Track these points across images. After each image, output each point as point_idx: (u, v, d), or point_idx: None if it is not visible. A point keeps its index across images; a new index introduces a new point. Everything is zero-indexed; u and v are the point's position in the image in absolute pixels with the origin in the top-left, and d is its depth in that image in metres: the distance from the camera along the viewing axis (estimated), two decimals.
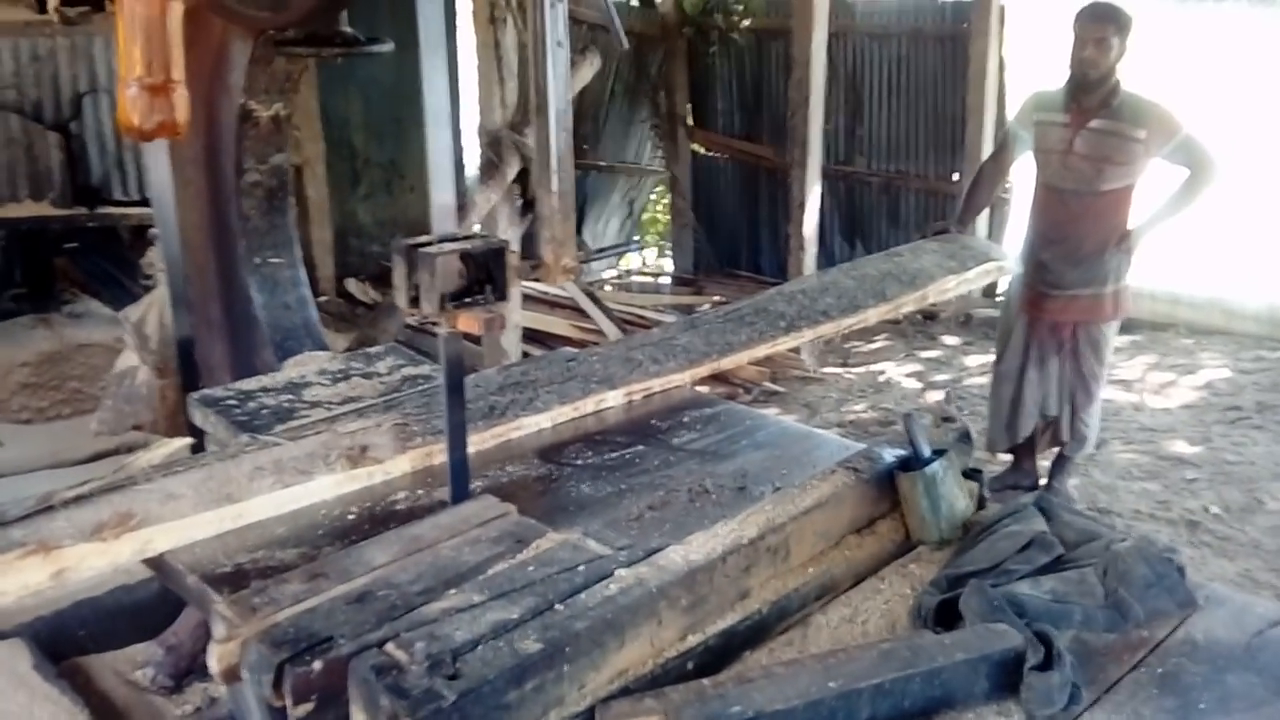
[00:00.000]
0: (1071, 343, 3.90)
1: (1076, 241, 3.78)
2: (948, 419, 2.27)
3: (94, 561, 1.83)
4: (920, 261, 3.52)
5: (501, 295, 2.00)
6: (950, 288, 3.49)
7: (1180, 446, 4.81)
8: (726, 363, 2.87)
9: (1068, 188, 3.82)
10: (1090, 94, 3.71)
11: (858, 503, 2.05)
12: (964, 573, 1.88)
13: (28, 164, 5.12)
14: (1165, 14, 6.13)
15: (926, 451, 2.10)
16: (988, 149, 6.45)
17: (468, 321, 1.97)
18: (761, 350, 2.95)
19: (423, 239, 1.97)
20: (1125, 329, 6.36)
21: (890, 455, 2.14)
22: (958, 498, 2.06)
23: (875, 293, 3.26)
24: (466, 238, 2.01)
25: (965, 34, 6.43)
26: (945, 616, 1.79)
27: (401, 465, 2.24)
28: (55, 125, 5.19)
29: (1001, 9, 6.24)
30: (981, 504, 2.17)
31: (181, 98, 1.64)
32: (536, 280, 3.75)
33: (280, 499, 2.05)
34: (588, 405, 2.58)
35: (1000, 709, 1.60)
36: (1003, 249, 3.72)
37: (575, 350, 3.01)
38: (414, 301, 1.96)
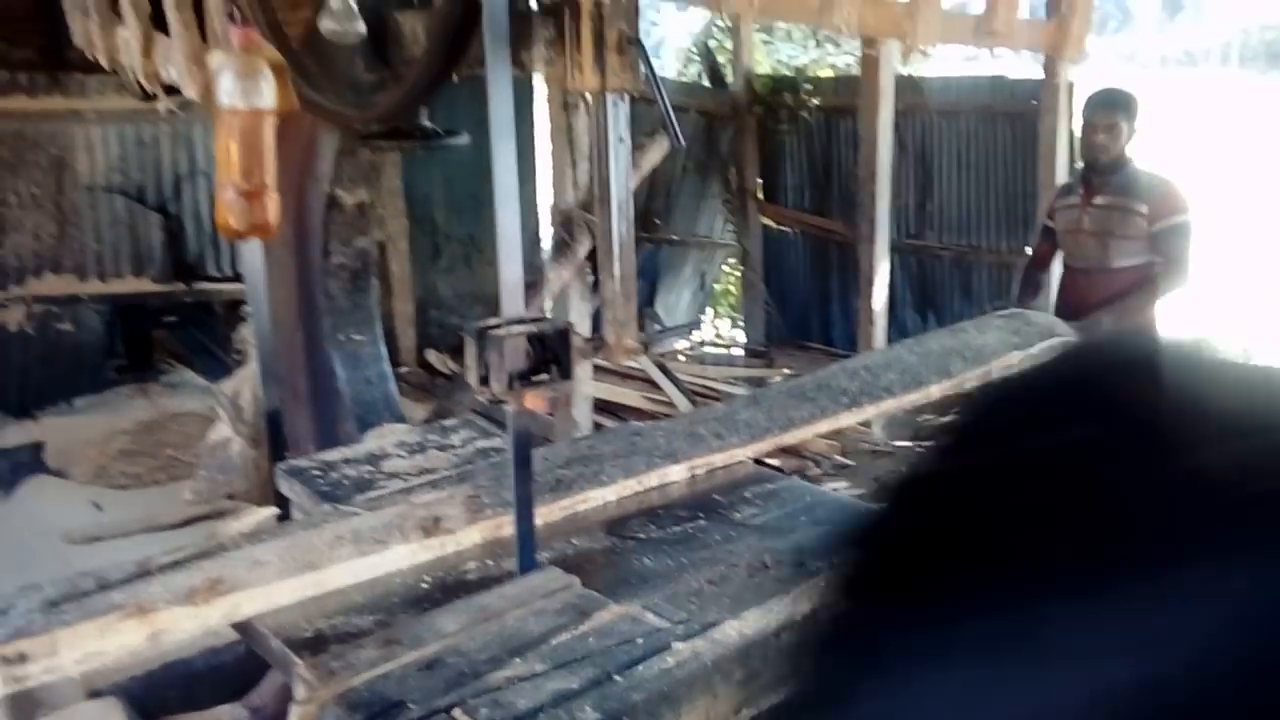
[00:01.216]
0: None
1: (1094, 320, 3.79)
2: None
3: (186, 624, 1.93)
4: (985, 338, 3.55)
5: (566, 375, 2.11)
6: (1014, 364, 3.51)
7: None
8: (788, 438, 2.92)
9: (1080, 266, 3.93)
10: (1101, 175, 3.83)
11: None
12: None
13: (131, 243, 5.44)
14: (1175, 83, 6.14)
15: None
16: None
17: (534, 400, 2.08)
18: (823, 426, 2.99)
19: (492, 321, 2.09)
20: None
21: None
22: None
23: (939, 369, 3.29)
24: (534, 320, 2.13)
25: (1034, 111, 6.47)
26: None
27: (472, 536, 2.32)
28: (157, 206, 5.52)
29: (1070, 86, 6.27)
30: None
31: (273, 202, 1.79)
32: (601, 359, 3.87)
33: (358, 567, 2.15)
34: (651, 479, 2.65)
35: None
36: (1066, 325, 3.72)
37: (640, 425, 3.09)
38: (484, 380, 2.07)
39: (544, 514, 2.38)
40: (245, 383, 3.65)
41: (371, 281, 3.66)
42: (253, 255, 3.06)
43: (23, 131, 5.22)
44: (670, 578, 2.21)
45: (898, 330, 6.88)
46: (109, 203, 5.43)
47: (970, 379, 3.37)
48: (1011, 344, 3.52)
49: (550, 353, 2.10)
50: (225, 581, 1.98)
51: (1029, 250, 6.70)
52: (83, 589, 1.92)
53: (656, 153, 4.73)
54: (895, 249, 6.61)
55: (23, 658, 1.73)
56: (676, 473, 2.70)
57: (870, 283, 5.93)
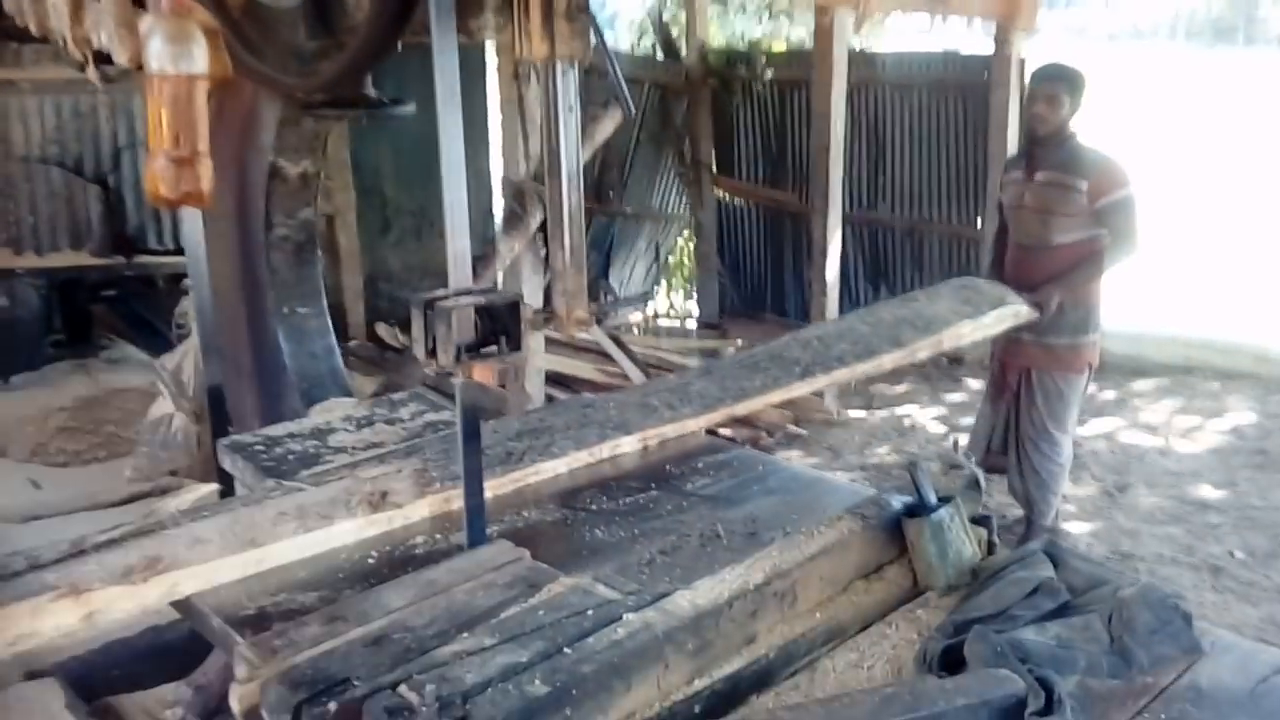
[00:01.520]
0: (1023, 389, 3.94)
1: (1044, 291, 3.77)
2: (955, 465, 2.28)
3: (123, 604, 1.87)
4: (936, 307, 3.55)
5: (516, 347, 2.07)
6: (966, 333, 3.52)
7: (1205, 491, 4.78)
8: (741, 409, 2.91)
9: (1023, 242, 3.93)
10: (1043, 149, 3.84)
11: (865, 549, 2.08)
12: (970, 618, 1.91)
13: (68, 215, 5.30)
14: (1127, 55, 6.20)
15: (932, 498, 2.13)
16: None
17: (483, 373, 2.04)
18: (776, 396, 2.99)
19: (439, 293, 2.04)
20: (1152, 372, 6.37)
21: (898, 502, 2.17)
22: (965, 544, 2.09)
23: (891, 339, 3.30)
24: (483, 291, 2.09)
25: (985, 85, 6.50)
26: (950, 662, 1.82)
27: (421, 510, 2.29)
28: (95, 178, 5.37)
29: (1021, 61, 6.30)
30: (990, 550, 2.19)
31: (206, 169, 1.73)
32: (552, 331, 3.81)
33: (302, 544, 2.11)
34: (604, 451, 2.63)
35: None
36: (1017, 294, 3.72)
37: (592, 396, 3.06)
38: (431, 353, 2.03)
39: (494, 486, 2.35)
40: (187, 357, 3.56)
41: (316, 254, 3.59)
42: (193, 227, 2.98)
43: None
44: (622, 549, 2.20)
45: (850, 301, 6.92)
46: (45, 174, 5.27)
47: (922, 348, 3.37)
48: (962, 313, 3.53)
49: (499, 324, 2.06)
50: (164, 560, 1.93)
51: (979, 223, 6.78)
52: (14, 569, 1.86)
53: (609, 124, 4.68)
54: (848, 221, 6.62)
55: None
56: (629, 444, 2.69)
57: (823, 254, 5.94)
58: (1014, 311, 3.67)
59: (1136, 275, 3.93)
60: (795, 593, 1.94)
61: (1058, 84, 3.77)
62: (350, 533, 2.17)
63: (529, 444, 2.58)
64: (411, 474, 2.36)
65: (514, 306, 2.07)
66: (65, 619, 1.80)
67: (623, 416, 2.75)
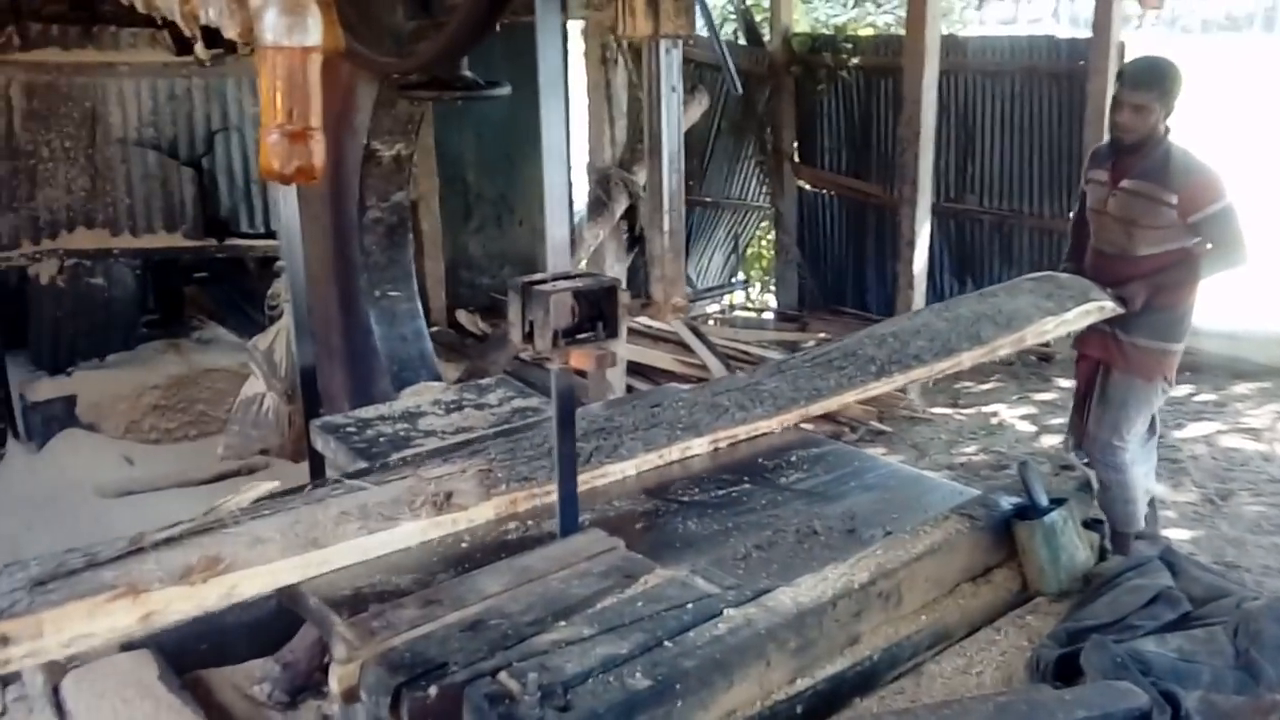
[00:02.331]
0: (1095, 389, 3.69)
1: (1130, 289, 3.51)
2: (1066, 467, 2.19)
3: (181, 605, 1.81)
4: (1016, 302, 3.38)
5: (613, 333, 2.03)
6: (1049, 329, 3.32)
7: None
8: (815, 409, 2.79)
9: (1105, 250, 3.63)
10: (1129, 154, 3.51)
11: (972, 550, 2.01)
12: (1085, 627, 1.83)
13: (163, 197, 5.40)
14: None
15: (1044, 500, 2.05)
16: None
17: (580, 358, 2.00)
18: (851, 396, 2.86)
19: (537, 277, 2.02)
20: (1252, 374, 6.11)
21: (1007, 503, 2.09)
22: (1078, 549, 2.01)
23: (970, 336, 3.12)
24: (579, 276, 2.05)
25: (1081, 71, 6.29)
26: (1064, 671, 1.74)
27: (485, 513, 2.20)
28: (189, 161, 5.47)
29: (1121, 45, 6.09)
30: (1103, 555, 2.10)
31: (319, 144, 1.71)
32: (647, 317, 3.75)
33: (365, 545, 2.03)
34: (673, 453, 2.53)
35: None
36: (1100, 290, 3.50)
37: (663, 391, 2.97)
38: (528, 337, 2.00)
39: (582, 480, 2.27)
40: (279, 338, 3.60)
41: (408, 237, 3.59)
42: (288, 209, 3.00)
43: (55, 84, 5.16)
44: (716, 542, 2.15)
45: (935, 295, 6.75)
46: (141, 157, 5.37)
47: (1003, 345, 3.19)
48: (1044, 309, 3.33)
49: (597, 310, 2.02)
50: (224, 560, 1.87)
51: (1072, 215, 6.57)
52: (71, 566, 1.80)
53: (695, 110, 4.62)
54: (934, 212, 6.46)
55: (5, 641, 1.63)
56: (699, 446, 2.57)
57: (910, 246, 5.80)
58: (1099, 306, 3.46)
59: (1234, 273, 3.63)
60: (900, 594, 1.88)
61: (1147, 91, 3.42)
62: (414, 535, 2.09)
63: (596, 444, 2.47)
64: (476, 474, 2.27)
65: (612, 292, 2.03)
66: (122, 620, 1.74)
67: (692, 417, 2.64)
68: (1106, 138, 3.78)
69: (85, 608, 1.70)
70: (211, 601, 1.83)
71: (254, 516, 2.04)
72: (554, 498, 2.14)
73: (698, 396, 2.80)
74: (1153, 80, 3.46)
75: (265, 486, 2.19)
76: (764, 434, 2.67)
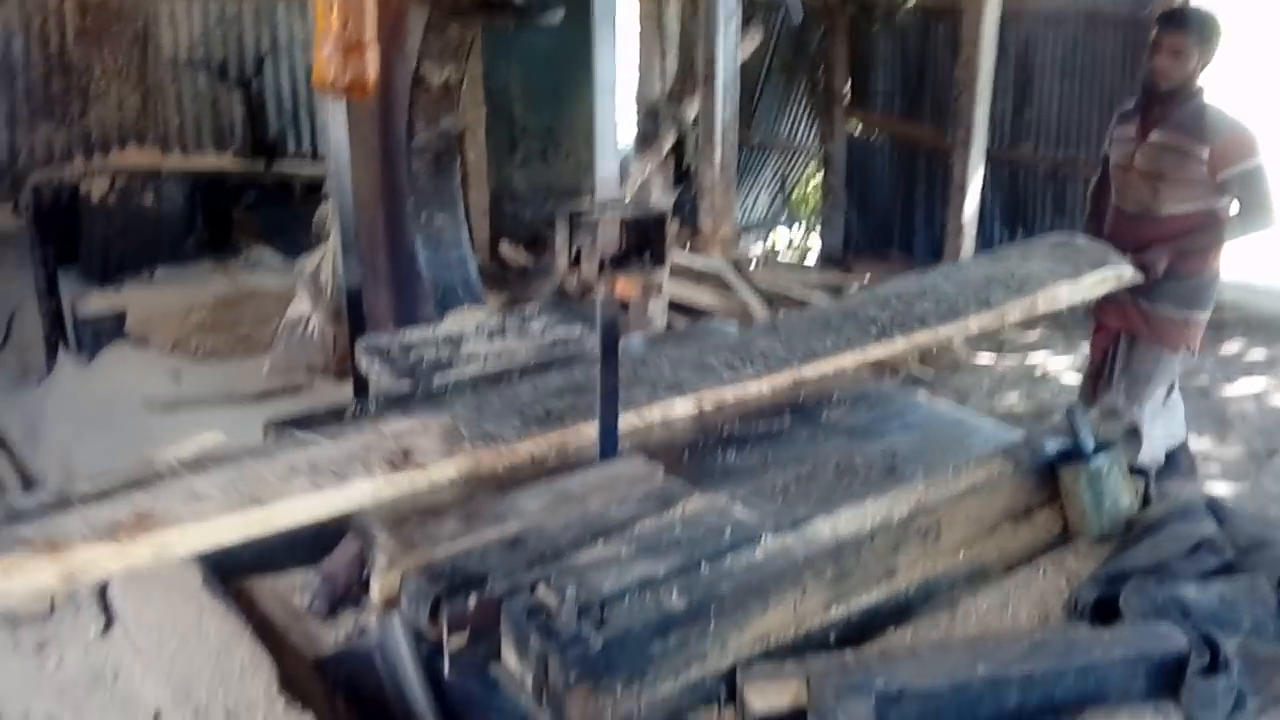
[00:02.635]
0: (1113, 357, 3.56)
1: (1152, 255, 3.35)
2: (1113, 412, 2.16)
3: (107, 564, 1.67)
4: (1029, 266, 3.19)
5: (660, 261, 2.01)
6: (1063, 296, 3.11)
7: None
8: (809, 371, 2.56)
9: (1127, 209, 3.48)
10: (1162, 105, 3.36)
11: (1015, 491, 1.99)
12: (1125, 570, 1.81)
13: (212, 118, 5.43)
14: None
15: (1090, 445, 2.02)
16: None
17: (625, 286, 1.98)
18: (848, 359, 2.63)
19: (585, 206, 2.00)
20: None
21: (1052, 446, 2.07)
22: (1122, 494, 1.99)
23: (978, 299, 2.93)
24: (627, 205, 2.03)
25: (1146, 19, 6.07)
26: (1103, 613, 1.73)
27: (447, 471, 2.02)
28: (239, 83, 5.48)
29: None
30: (1146, 501, 2.08)
31: (373, 57, 1.70)
32: (693, 249, 3.67)
33: (313, 504, 1.86)
34: (654, 414, 2.31)
35: (1158, 710, 1.54)
36: (1118, 255, 3.31)
37: (645, 344, 2.83)
38: (574, 264, 1.99)
39: (513, 453, 2.07)
40: (325, 259, 3.62)
41: (455, 164, 3.58)
42: (337, 131, 2.98)
43: (107, 3, 5.18)
44: (755, 473, 2.14)
45: (985, 243, 6.64)
46: (191, 77, 5.40)
47: (1013, 310, 2.97)
48: (1059, 274, 3.13)
49: (643, 239, 2.01)
50: (155, 516, 1.71)
51: (1093, 181, 6.39)
52: None
53: (749, 44, 4.54)
54: (987, 158, 6.34)
55: None
56: (682, 407, 2.36)
57: (961, 191, 5.71)
58: (1116, 274, 3.27)
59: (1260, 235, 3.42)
60: (940, 530, 1.88)
61: (1186, 34, 3.28)
62: (367, 494, 1.91)
63: (570, 402, 2.28)
64: (440, 431, 2.10)
65: (660, 221, 2.01)
66: (41, 578, 1.59)
67: (676, 376, 2.46)
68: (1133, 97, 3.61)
69: (1, 565, 1.56)
70: (142, 558, 1.70)
71: (195, 470, 1.86)
72: (522, 455, 2.05)
73: (684, 353, 2.60)
74: (1192, 22, 3.32)
75: (209, 437, 2.07)
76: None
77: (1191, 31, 3.29)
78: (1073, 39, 6.65)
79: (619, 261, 1.98)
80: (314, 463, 1.93)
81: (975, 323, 2.85)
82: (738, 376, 2.45)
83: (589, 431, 2.15)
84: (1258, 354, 5.73)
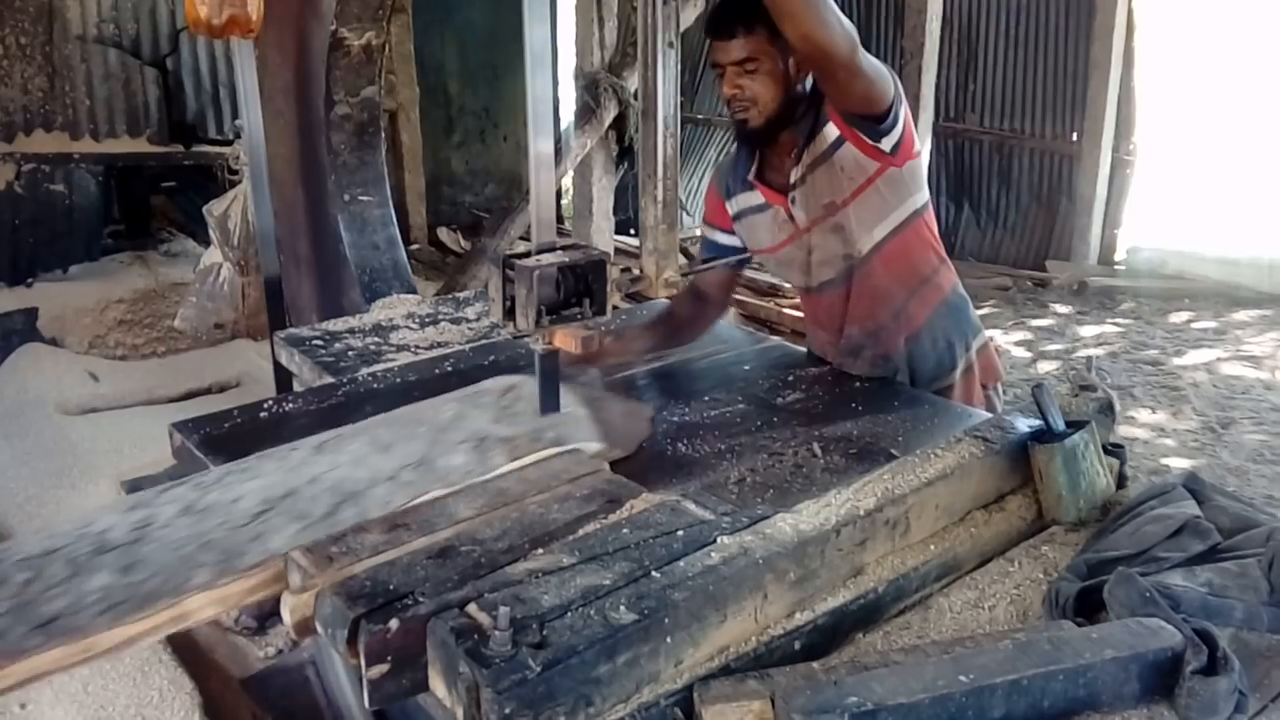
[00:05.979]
0: None
1: None
2: (1087, 387, 2.03)
3: None
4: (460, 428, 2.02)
5: (601, 311, 1.88)
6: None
7: None
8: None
9: None
10: None
11: (986, 476, 1.86)
12: (1107, 558, 1.68)
13: (125, 100, 5.14)
14: None
15: (1060, 423, 1.89)
16: (1110, 108, 6.06)
17: (564, 338, 1.86)
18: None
19: (520, 249, 1.87)
20: (1252, 302, 5.97)
21: (1024, 425, 1.94)
22: (1099, 474, 1.86)
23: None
24: (566, 248, 1.88)
25: None
26: (1085, 606, 1.60)
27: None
28: (153, 61, 5.19)
29: None
30: (1122, 482, 1.96)
31: None
32: (636, 294, 3.43)
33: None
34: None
35: (1152, 713, 1.41)
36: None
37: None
38: (508, 314, 1.86)
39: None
40: (235, 203, 3.39)
41: (380, 137, 3.36)
42: (250, 105, 2.78)
43: None
44: (709, 466, 2.01)
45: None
46: (102, 56, 5.09)
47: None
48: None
49: (583, 285, 1.87)
50: None
51: (1074, 136, 6.32)
52: None
53: (691, 11, 4.36)
54: (933, 132, 6.24)
55: None
56: None
57: None
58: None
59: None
60: (908, 521, 1.73)
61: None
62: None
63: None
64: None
65: (600, 266, 1.87)
66: None
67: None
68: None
69: None
70: None
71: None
72: None
73: None
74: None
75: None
76: (755, 349, 2.51)
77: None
78: (1017, 6, 6.57)
79: (556, 310, 1.85)
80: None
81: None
82: None
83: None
84: (1207, 324, 5.71)
